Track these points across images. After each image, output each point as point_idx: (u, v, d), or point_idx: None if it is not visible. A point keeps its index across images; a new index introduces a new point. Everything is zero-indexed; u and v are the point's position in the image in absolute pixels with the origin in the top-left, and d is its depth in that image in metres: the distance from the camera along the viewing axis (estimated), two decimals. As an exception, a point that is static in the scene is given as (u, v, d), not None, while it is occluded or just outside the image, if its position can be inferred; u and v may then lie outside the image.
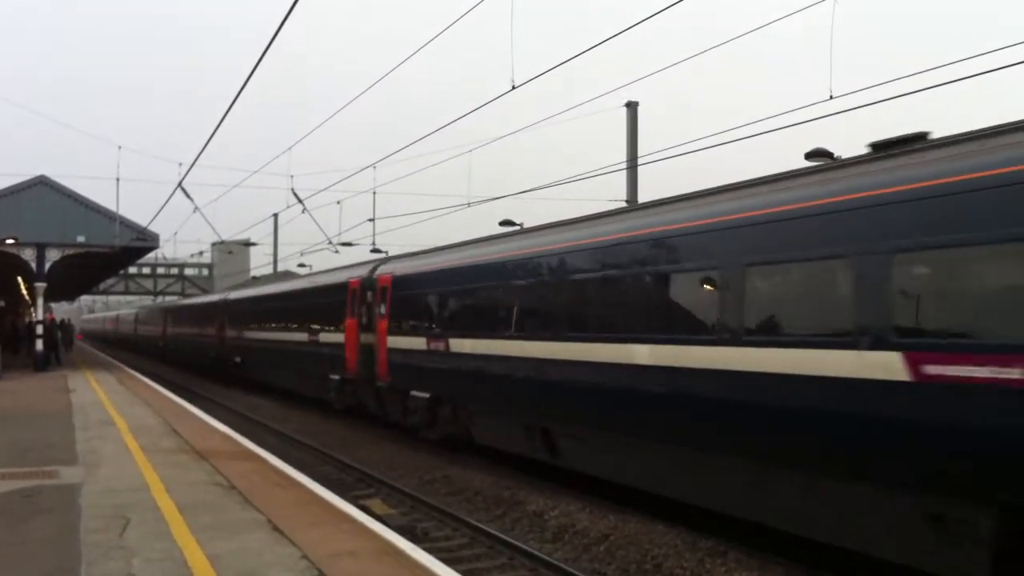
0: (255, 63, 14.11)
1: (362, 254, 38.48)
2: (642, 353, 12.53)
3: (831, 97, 13.11)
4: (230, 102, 16.78)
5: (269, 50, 13.32)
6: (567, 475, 15.70)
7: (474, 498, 15.81)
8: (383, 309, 22.58)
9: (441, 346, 18.99)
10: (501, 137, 26.15)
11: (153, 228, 38.69)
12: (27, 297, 54.68)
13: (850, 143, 15.88)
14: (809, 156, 14.22)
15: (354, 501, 13.05)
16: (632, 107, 26.20)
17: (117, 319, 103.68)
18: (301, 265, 48.97)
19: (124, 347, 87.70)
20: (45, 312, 40.43)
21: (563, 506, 14.32)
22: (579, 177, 24.01)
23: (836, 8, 13.01)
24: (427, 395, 19.96)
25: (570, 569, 11.18)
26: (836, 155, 13.38)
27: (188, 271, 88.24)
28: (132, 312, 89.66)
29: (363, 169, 42.64)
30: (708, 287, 11.67)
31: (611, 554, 12.02)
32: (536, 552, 11.96)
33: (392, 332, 21.96)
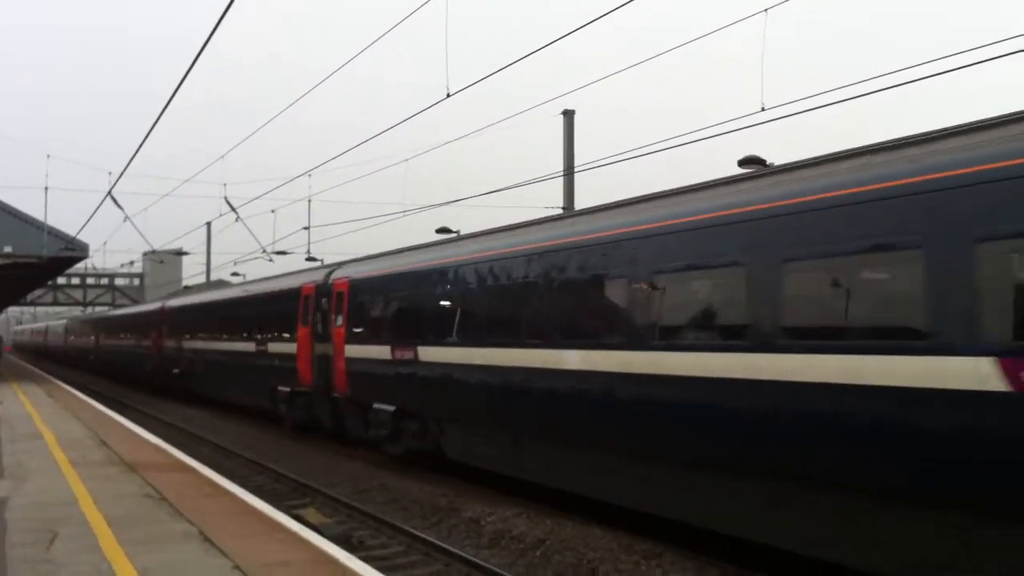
0: (185, 71, 13.94)
1: (297, 263, 38.19)
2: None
3: (763, 109, 13.33)
4: (161, 109, 16.55)
5: (200, 58, 13.16)
6: (507, 482, 15.70)
7: (411, 506, 15.74)
8: (340, 316, 21.37)
9: (408, 355, 17.78)
10: (437, 147, 26.17)
11: (82, 238, 38.06)
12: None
13: (783, 149, 16.14)
14: (742, 163, 14.46)
15: (288, 511, 12.92)
16: (568, 115, 26.31)
17: (46, 331, 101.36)
18: (235, 274, 48.43)
19: (55, 359, 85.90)
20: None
21: (500, 512, 14.31)
22: (517, 185, 24.07)
23: (767, 21, 13.23)
24: (391, 408, 18.82)
25: (506, 574, 11.18)
26: (769, 162, 13.61)
27: (119, 281, 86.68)
28: (62, 323, 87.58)
29: (298, 177, 42.27)
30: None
31: (547, 559, 12.04)
32: (472, 558, 11.94)
33: (351, 340, 20.67)
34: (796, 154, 11.37)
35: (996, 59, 10.23)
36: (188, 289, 53.43)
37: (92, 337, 64.06)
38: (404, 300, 18.80)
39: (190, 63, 13.52)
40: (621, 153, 16.85)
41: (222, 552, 9.12)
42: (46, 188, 37.30)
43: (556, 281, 13.76)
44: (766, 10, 13.17)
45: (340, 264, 24.53)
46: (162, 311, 42.31)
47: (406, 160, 29.67)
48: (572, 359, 13.07)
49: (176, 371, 38.26)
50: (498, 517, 14.04)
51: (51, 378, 45.95)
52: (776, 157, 13.31)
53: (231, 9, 10.88)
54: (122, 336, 52.34)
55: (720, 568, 11.05)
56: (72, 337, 77.15)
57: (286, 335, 24.92)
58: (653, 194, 13.06)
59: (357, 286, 21.01)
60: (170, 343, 39.64)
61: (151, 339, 43.11)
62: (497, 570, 11.35)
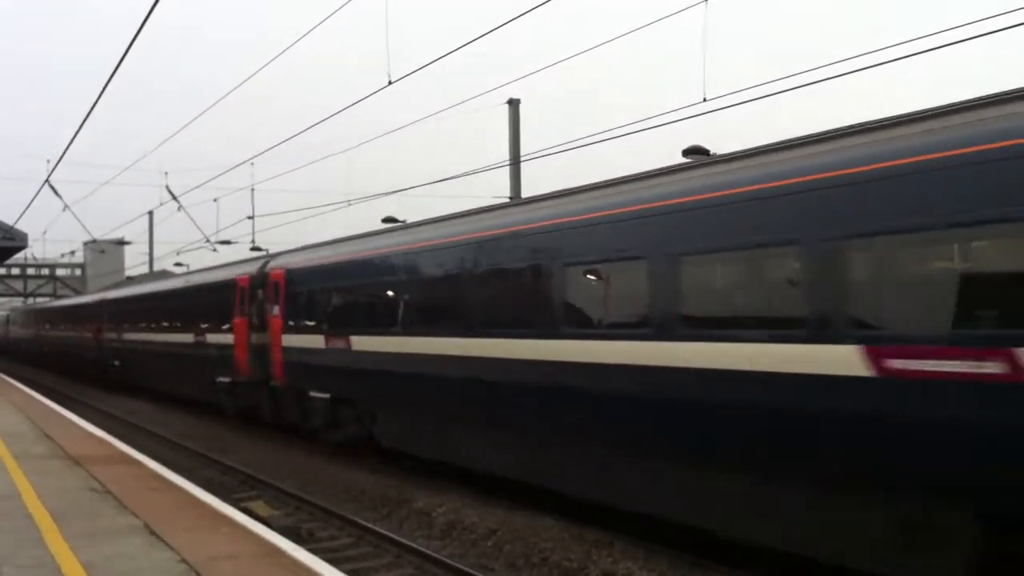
0: (121, 55, 13.71)
1: (242, 252, 37.82)
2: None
3: (704, 99, 13.44)
4: (98, 93, 16.27)
5: (137, 40, 12.94)
6: (456, 473, 15.68)
7: (360, 497, 15.65)
8: (276, 306, 21.53)
9: (341, 344, 18.14)
10: (380, 135, 26.05)
11: (21, 227, 37.26)
12: None
13: (723, 139, 16.26)
14: (686, 153, 14.54)
15: (236, 503, 12.81)
16: (514, 104, 26.27)
17: None
18: (178, 264, 47.81)
19: None
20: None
21: (451, 503, 14.28)
22: (462, 174, 23.97)
23: (708, 12, 13.32)
24: (327, 396, 19.04)
25: (457, 564, 11.15)
26: (711, 151, 13.70)
27: (60, 271, 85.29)
28: (3, 315, 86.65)
29: (239, 165, 41.91)
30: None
31: (499, 549, 12.03)
32: (423, 549, 11.90)
33: (288, 330, 20.89)
34: (741, 144, 11.49)
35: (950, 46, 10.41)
36: (131, 280, 52.86)
37: (33, 328, 63.49)
38: (336, 290, 19.05)
39: (127, 45, 13.30)
40: (566, 143, 16.88)
41: (168, 545, 9.00)
42: (-17, 176, 36.53)
43: (451, 276, 14.79)
44: (706, 0, 13.25)
45: (275, 255, 24.65)
46: (102, 303, 42.17)
47: (348, 150, 29.56)
48: (464, 346, 14.18)
49: (117, 363, 38.28)
50: (449, 508, 14.00)
51: (-9, 371, 45.12)
52: (722, 146, 13.42)
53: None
54: (63, 328, 51.85)
55: (668, 556, 11.12)
56: (13, 328, 76.29)
57: (223, 326, 25.01)
58: (543, 195, 14.28)
59: (292, 276, 21.13)
60: (110, 335, 39.59)
61: (92, 331, 42.84)
62: (449, 561, 11.32)
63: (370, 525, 13.33)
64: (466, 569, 10.97)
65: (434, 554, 11.67)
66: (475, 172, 21.74)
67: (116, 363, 38.59)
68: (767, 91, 12.47)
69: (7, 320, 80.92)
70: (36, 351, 62.19)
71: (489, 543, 12.28)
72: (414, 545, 12.14)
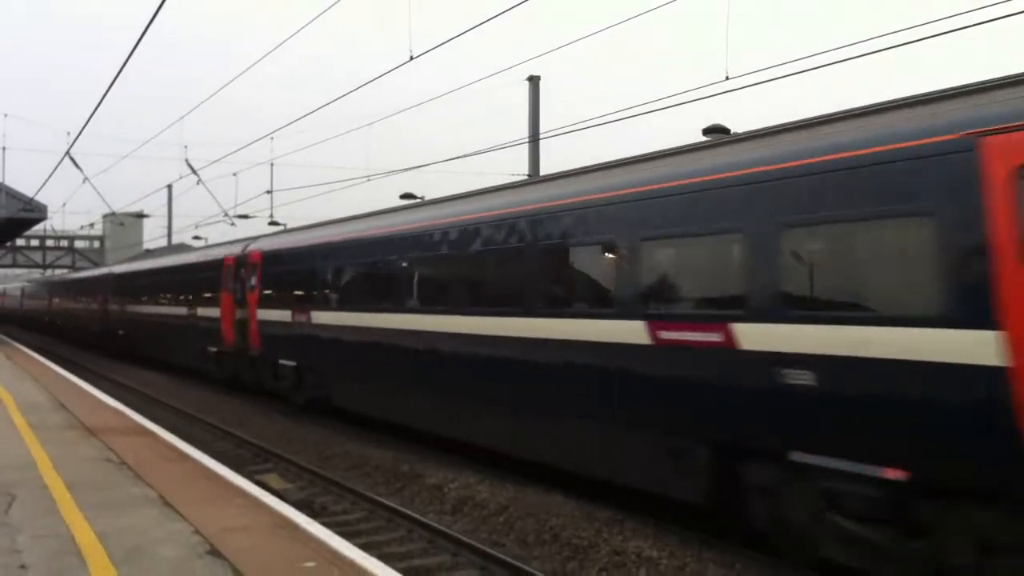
0: (143, 29, 13.70)
1: (260, 227, 37.93)
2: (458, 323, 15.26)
3: (727, 78, 13.35)
4: (119, 68, 16.28)
5: (160, 13, 12.94)
6: (469, 449, 15.74)
7: (373, 472, 15.73)
8: (253, 284, 24.45)
9: (304, 318, 21.02)
10: (401, 111, 25.94)
11: (41, 199, 37.50)
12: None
13: (747, 119, 16.13)
14: (707, 132, 14.44)
15: (250, 476, 12.89)
16: (534, 81, 26.18)
17: (4, 293, 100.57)
18: (196, 238, 48.06)
19: (10, 321, 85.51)
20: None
21: (463, 479, 14.33)
22: (481, 151, 23.99)
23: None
24: (293, 363, 21.89)
25: (468, 540, 11.21)
26: (732, 131, 13.61)
27: (79, 244, 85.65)
28: (19, 286, 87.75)
29: (259, 139, 41.90)
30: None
31: (510, 525, 12.08)
32: (435, 524, 11.96)
33: (262, 305, 23.85)
34: (762, 121, 11.48)
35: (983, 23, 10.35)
36: (145, 254, 53.87)
37: (46, 300, 65.84)
38: (301, 271, 21.78)
39: (150, 17, 13.30)
40: (586, 120, 16.83)
41: (182, 516, 9.08)
42: (3, 148, 36.79)
43: (382, 261, 17.83)
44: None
45: (256, 237, 27.66)
46: (108, 277, 44.90)
47: (369, 125, 29.42)
48: (391, 320, 17.24)
49: (121, 332, 41.33)
50: (461, 484, 14.06)
51: (11, 341, 45.45)
52: (743, 125, 13.35)
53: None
54: (74, 300, 54.37)
55: (679, 535, 11.15)
56: (28, 300, 78.02)
57: (212, 301, 27.81)
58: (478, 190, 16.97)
59: (267, 257, 24.11)
60: (116, 307, 42.39)
61: (99, 303, 45.59)
62: (460, 536, 11.38)
63: (382, 500, 13.41)
64: (477, 544, 11.03)
65: (445, 529, 11.73)
66: (494, 149, 21.69)
67: (120, 332, 41.40)
68: (790, 70, 12.33)
69: (22, 292, 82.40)
70: (48, 321, 64.60)
71: (500, 519, 12.34)
72: (425, 520, 12.21)
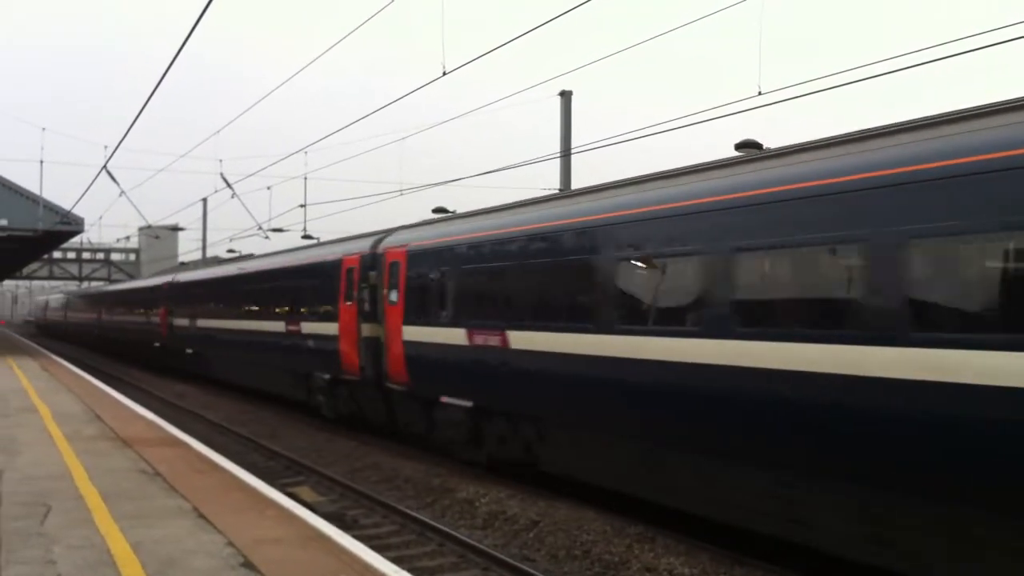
0: (180, 45, 13.86)
1: (294, 240, 38.04)
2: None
3: (759, 93, 13.30)
4: (155, 83, 16.47)
5: (197, 30, 13.08)
6: (498, 466, 15.73)
7: (404, 486, 15.75)
8: (395, 292, 18.51)
9: (495, 340, 14.95)
10: (433, 126, 26.04)
11: (78, 212, 37.91)
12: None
13: (779, 134, 16.03)
14: (739, 147, 14.40)
15: (282, 488, 12.93)
16: (566, 96, 26.22)
17: (46, 305, 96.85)
18: (230, 251, 48.25)
19: (53, 335, 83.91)
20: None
21: (493, 493, 14.32)
22: (513, 165, 24.05)
23: (764, 5, 13.18)
24: (467, 404, 15.98)
25: (499, 555, 11.20)
26: (764, 146, 13.56)
27: (114, 256, 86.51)
28: (62, 296, 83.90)
29: (293, 154, 42.15)
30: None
31: (540, 540, 12.06)
32: (466, 538, 11.96)
33: (411, 320, 17.77)
34: (793, 138, 11.27)
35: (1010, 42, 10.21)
36: (218, 259, 49.79)
37: (94, 312, 61.16)
38: (485, 272, 15.73)
39: (185, 36, 13.44)
40: (618, 135, 16.80)
41: (215, 527, 9.13)
42: (41, 161, 37.18)
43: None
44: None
45: (392, 230, 20.56)
46: (175, 284, 38.99)
47: (402, 139, 29.56)
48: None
49: (190, 351, 35.88)
50: (491, 498, 14.05)
51: (47, 352, 45.91)
52: (774, 141, 13.31)
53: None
54: (126, 312, 48.89)
55: (710, 553, 11.08)
56: (72, 312, 73.16)
57: (325, 313, 22.10)
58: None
59: (417, 256, 17.96)
60: (183, 321, 36.68)
61: (160, 315, 40.28)
62: (491, 551, 11.37)
63: (413, 513, 13.42)
64: (508, 559, 11.01)
65: (476, 543, 11.72)
66: (526, 164, 21.73)
67: (189, 351, 35.89)
68: (824, 85, 12.27)
69: (66, 302, 77.99)
70: (98, 336, 60.06)
71: (531, 534, 12.32)
72: (456, 534, 12.21)
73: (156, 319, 40.89)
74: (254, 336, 27.53)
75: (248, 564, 7.88)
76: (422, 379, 17.51)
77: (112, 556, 8.05)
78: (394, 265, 18.58)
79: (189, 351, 35.80)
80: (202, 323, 34.03)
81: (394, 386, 18.54)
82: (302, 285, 24.15)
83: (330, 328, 21.37)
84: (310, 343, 22.97)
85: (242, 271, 31.04)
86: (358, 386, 20.46)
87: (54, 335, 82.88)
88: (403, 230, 19.79)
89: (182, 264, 56.26)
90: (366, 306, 19.65)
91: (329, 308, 21.66)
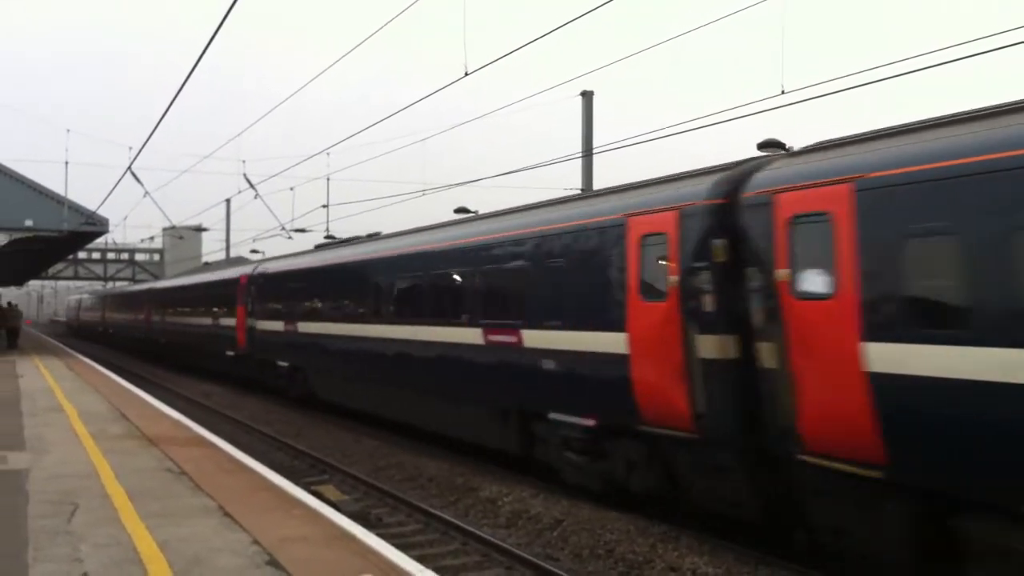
0: (204, 46, 13.94)
1: (316, 240, 38.17)
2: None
3: (783, 92, 13.20)
4: (180, 85, 16.57)
5: (219, 34, 13.15)
6: (520, 463, 15.74)
7: (428, 484, 15.80)
8: (260, 299, 29.53)
9: (292, 328, 26.31)
10: (455, 126, 26.04)
11: (102, 213, 38.14)
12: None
13: (802, 133, 16.01)
14: (761, 147, 14.34)
15: (306, 487, 12.98)
16: (587, 96, 26.20)
17: (79, 304, 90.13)
18: (254, 251, 48.50)
19: (88, 336, 77.75)
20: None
21: (516, 492, 14.35)
22: (535, 166, 24.03)
23: (786, 4, 13.10)
24: (287, 364, 27.22)
25: (522, 553, 11.22)
26: (788, 146, 13.49)
27: (139, 256, 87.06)
28: (99, 295, 76.85)
29: (316, 155, 42.23)
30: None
31: (564, 539, 12.06)
32: (489, 537, 11.98)
33: (263, 317, 29.20)
34: (816, 136, 11.03)
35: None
36: (202, 267, 51.13)
37: (140, 314, 53.15)
38: (288, 290, 27.11)
39: (209, 37, 13.52)
40: (640, 135, 16.76)
41: (241, 526, 9.18)
42: (66, 163, 37.41)
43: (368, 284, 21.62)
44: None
45: (266, 260, 32.85)
46: (150, 292, 39.14)
47: (423, 140, 29.59)
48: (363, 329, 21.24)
49: (163, 341, 45.72)
50: (515, 497, 14.08)
51: (73, 352, 46.25)
52: (798, 140, 13.23)
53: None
54: (199, 310, 38.94)
55: (734, 551, 11.06)
56: (112, 312, 63.97)
57: (230, 313, 32.71)
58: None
59: (268, 277, 29.25)
60: (156, 318, 41.59)
61: (144, 315, 40.48)
62: (514, 549, 11.39)
63: (437, 512, 13.46)
64: (532, 558, 11.03)
65: (500, 542, 11.75)
66: (547, 164, 21.75)
67: (284, 364, 28.30)
68: (850, 83, 12.11)
69: (103, 301, 69.41)
70: (144, 338, 52.07)
71: (554, 533, 12.32)
72: (480, 533, 12.24)
73: (230, 321, 33.19)
74: (195, 328, 31.53)
75: (274, 562, 7.93)
76: (268, 351, 28.76)
77: (139, 554, 8.11)
78: (260, 282, 31.93)
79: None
80: (168, 320, 38.79)
81: (257, 355, 30.06)
82: (220, 293, 29.74)
83: (232, 321, 24.58)
84: (226, 331, 31.28)
85: (191, 282, 33.72)
86: (245, 357, 32.91)
87: (89, 337, 74.95)
88: (270, 260, 34.55)
89: (206, 264, 56.31)
90: (249, 307, 32.95)
91: (233, 308, 24.42)
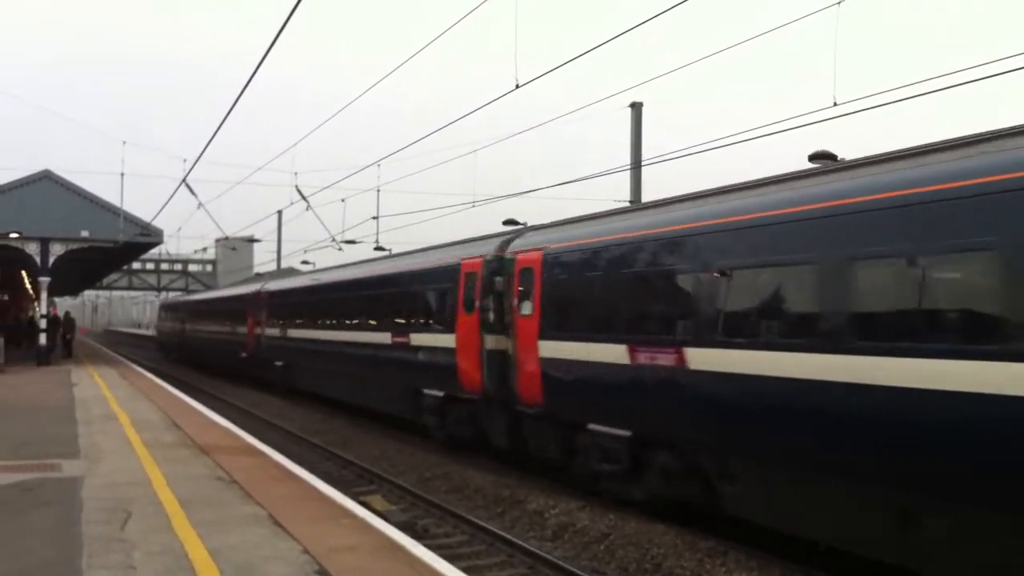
0: (259, 60, 14.15)
1: (366, 252, 38.43)
2: None
3: (835, 104, 13.13)
4: (235, 99, 16.82)
5: (274, 47, 13.35)
6: (565, 475, 15.73)
7: (474, 496, 15.83)
8: (528, 303, 16.26)
9: (668, 359, 12.43)
10: (506, 138, 26.10)
11: (157, 224, 38.72)
12: (31, 291, 54.66)
13: (855, 145, 15.88)
14: (812, 158, 14.25)
15: (355, 497, 13.07)
16: (636, 108, 26.18)
17: (165, 312, 69.53)
18: (304, 263, 48.89)
19: (177, 351, 60.32)
20: (49, 306, 40.41)
21: (563, 505, 14.33)
22: (583, 178, 24.07)
23: (840, 16, 13.03)
24: (626, 434, 13.64)
25: (569, 567, 11.20)
26: (840, 157, 13.41)
27: (192, 267, 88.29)
28: (188, 298, 63.36)
29: (367, 167, 42.55)
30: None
31: (611, 553, 12.03)
32: (536, 550, 11.98)
33: (548, 336, 15.61)
34: (867, 149, 11.03)
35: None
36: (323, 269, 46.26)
37: (178, 322, 57.02)
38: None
39: (263, 53, 13.72)
40: (690, 147, 16.73)
41: (290, 535, 9.27)
42: (122, 174, 38.02)
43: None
44: (839, 2, 12.96)
45: (521, 230, 19.17)
46: (264, 293, 36.68)
47: (474, 151, 29.66)
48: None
49: (279, 363, 33.77)
50: (561, 510, 14.06)
51: (125, 361, 46.92)
52: (848, 152, 13.14)
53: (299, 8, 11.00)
54: (210, 322, 47.20)
55: (782, 566, 10.96)
56: (191, 325, 54.47)
57: (437, 324, 20.14)
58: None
59: (557, 260, 15.72)
60: (271, 330, 34.86)
61: (247, 325, 38.05)
62: (561, 563, 11.37)
63: (483, 524, 13.48)
64: (579, 572, 11.01)
65: (546, 555, 11.74)
66: (597, 176, 21.74)
67: (278, 364, 33.66)
68: (902, 95, 12.04)
69: (189, 309, 57.52)
70: (180, 344, 54.62)
71: (601, 547, 12.30)
72: (526, 545, 12.24)
73: (243, 329, 37.77)
74: (353, 348, 25.64)
75: (323, 572, 8.00)
76: (562, 401, 15.68)
77: (191, 562, 8.22)
78: (527, 271, 16.50)
79: (279, 363, 33.42)
80: (292, 333, 32.13)
81: (524, 408, 16.64)
82: (408, 292, 22.51)
83: (445, 340, 19.32)
84: (421, 356, 20.99)
85: (339, 279, 28.67)
86: (479, 405, 18.47)
87: (191, 359, 55.03)
88: (534, 231, 18.15)
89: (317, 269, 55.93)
90: (490, 316, 17.83)
91: (443, 318, 19.76)
